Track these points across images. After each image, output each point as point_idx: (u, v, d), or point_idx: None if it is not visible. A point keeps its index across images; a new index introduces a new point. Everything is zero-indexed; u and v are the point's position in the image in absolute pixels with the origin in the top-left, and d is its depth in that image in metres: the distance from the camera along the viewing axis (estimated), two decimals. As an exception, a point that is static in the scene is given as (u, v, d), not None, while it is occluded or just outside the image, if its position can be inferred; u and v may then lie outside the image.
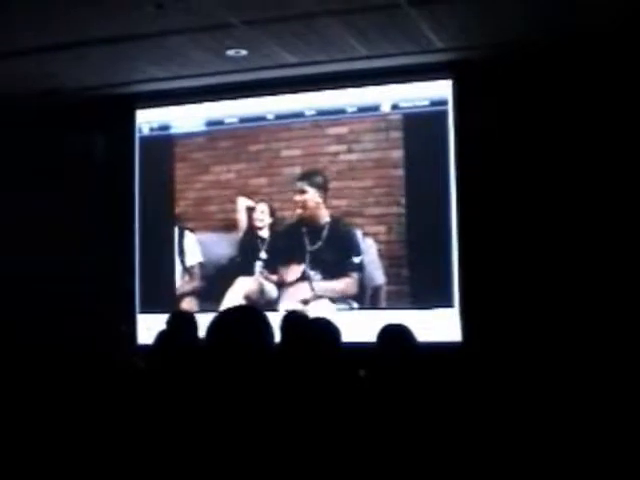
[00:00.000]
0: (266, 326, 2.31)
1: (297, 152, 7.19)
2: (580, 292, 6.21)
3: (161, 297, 7.44)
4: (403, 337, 4.15)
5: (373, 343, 4.36)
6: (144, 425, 2.69)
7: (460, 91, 6.69)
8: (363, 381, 3.98)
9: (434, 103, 6.80)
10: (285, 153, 7.23)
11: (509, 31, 6.01)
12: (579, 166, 6.36)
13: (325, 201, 7.09)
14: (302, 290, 7.06)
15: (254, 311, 2.36)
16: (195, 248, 7.51)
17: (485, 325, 6.40)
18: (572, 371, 5.94)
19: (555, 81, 6.45)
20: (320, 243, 7.07)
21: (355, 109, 7.01)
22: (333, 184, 7.08)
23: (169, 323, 4.76)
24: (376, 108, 6.96)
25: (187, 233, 7.53)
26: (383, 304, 6.84)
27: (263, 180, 7.28)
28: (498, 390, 5.81)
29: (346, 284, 6.97)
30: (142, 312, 7.44)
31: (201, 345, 4.18)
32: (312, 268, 7.10)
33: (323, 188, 7.10)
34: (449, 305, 6.58)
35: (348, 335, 3.66)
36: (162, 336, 3.79)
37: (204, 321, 4.71)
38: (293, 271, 7.17)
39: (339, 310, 6.88)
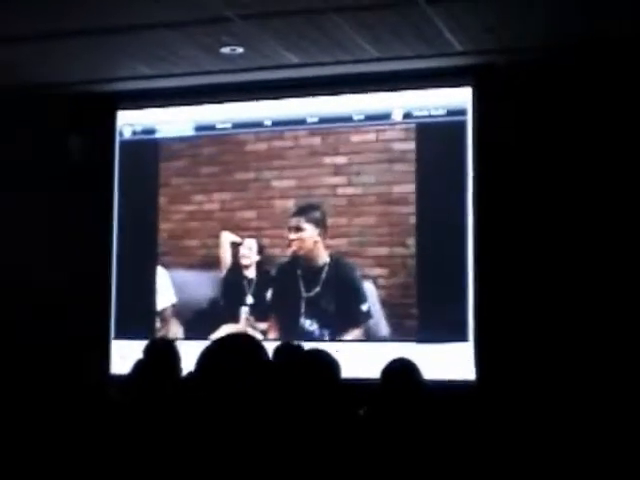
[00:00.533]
0: (261, 356, 2.40)
1: (291, 183, 7.25)
2: (608, 330, 6.26)
3: (139, 320, 7.46)
4: (407, 373, 4.24)
5: (377, 380, 4.45)
6: (120, 463, 2.75)
7: (481, 100, 6.77)
8: (362, 421, 4.05)
9: (451, 112, 6.89)
10: (277, 184, 7.27)
11: (535, 33, 6.10)
12: (614, 188, 6.41)
13: (324, 240, 7.11)
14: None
15: (249, 339, 2.45)
16: (168, 288, 7.49)
17: (502, 363, 6.47)
18: (601, 421, 5.99)
19: (587, 89, 6.51)
20: (318, 288, 7.06)
21: (362, 117, 7.09)
22: (331, 220, 7.10)
23: (147, 352, 4.83)
24: (386, 116, 7.04)
25: (159, 270, 7.53)
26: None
27: (251, 213, 7.32)
28: (515, 438, 5.88)
29: (352, 336, 6.92)
30: (117, 338, 7.50)
31: (184, 376, 4.26)
32: (308, 317, 7.09)
33: (322, 225, 7.12)
34: (463, 340, 6.65)
35: (348, 370, 3.72)
36: (140, 365, 3.84)
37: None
38: (285, 319, 7.14)
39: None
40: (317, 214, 7.12)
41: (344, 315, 6.99)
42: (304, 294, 7.10)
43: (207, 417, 2.30)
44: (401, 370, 4.33)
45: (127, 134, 7.74)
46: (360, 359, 6.66)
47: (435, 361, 6.47)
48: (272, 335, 7.09)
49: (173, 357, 4.84)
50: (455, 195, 6.79)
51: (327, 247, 7.08)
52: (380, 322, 6.88)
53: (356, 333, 6.93)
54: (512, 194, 6.62)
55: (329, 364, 3.37)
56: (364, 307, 6.92)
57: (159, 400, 3.31)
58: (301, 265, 7.14)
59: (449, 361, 6.62)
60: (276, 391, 2.52)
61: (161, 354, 4.76)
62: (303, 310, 7.08)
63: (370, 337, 6.90)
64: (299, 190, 7.21)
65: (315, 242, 7.10)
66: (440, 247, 6.81)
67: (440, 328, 6.71)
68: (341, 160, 7.13)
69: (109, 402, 3.85)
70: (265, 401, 2.37)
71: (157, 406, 3.29)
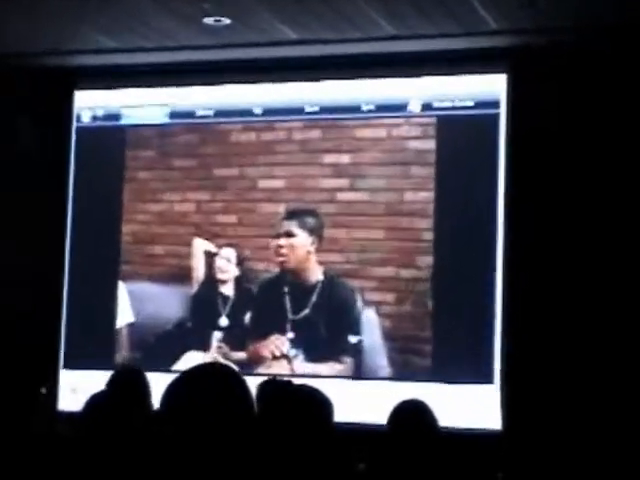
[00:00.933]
0: (242, 393, 2.42)
1: (280, 183, 7.28)
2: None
3: (95, 346, 7.46)
4: (418, 417, 4.31)
5: (379, 426, 4.53)
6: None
7: (518, 89, 6.80)
8: (363, 475, 4.13)
9: (481, 104, 6.94)
10: (264, 184, 7.32)
11: (576, 10, 6.11)
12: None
13: (318, 252, 7.14)
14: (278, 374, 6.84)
15: (228, 372, 2.47)
16: (125, 303, 7.53)
17: (534, 410, 6.49)
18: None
19: (634, 74, 6.54)
20: (307, 310, 7.10)
21: (373, 107, 7.12)
22: (328, 231, 7.13)
23: (112, 382, 4.90)
24: (402, 107, 7.07)
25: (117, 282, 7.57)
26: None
27: (231, 217, 7.38)
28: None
29: (336, 371, 6.96)
30: (67, 367, 7.52)
31: (154, 414, 4.34)
32: (294, 345, 7.11)
33: (317, 234, 7.15)
34: (487, 381, 6.71)
35: (343, 413, 3.74)
36: (100, 398, 3.91)
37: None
38: (267, 348, 7.15)
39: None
40: (312, 220, 7.16)
41: (334, 346, 7.03)
42: (290, 316, 7.14)
43: (178, 469, 2.32)
44: (412, 413, 4.38)
45: (86, 119, 7.77)
46: (358, 400, 6.72)
47: (453, 406, 6.48)
48: (249, 366, 7.07)
49: (143, 390, 4.91)
50: (483, 206, 6.84)
51: (321, 263, 7.12)
52: (378, 357, 6.91)
53: (341, 368, 6.96)
54: (553, 207, 6.64)
55: (322, 405, 3.43)
56: (354, 339, 6.96)
57: (125, 442, 3.36)
58: (289, 281, 7.19)
59: (470, 406, 6.66)
60: (260, 437, 2.55)
61: (129, 386, 4.83)
62: (288, 334, 7.13)
63: (362, 375, 6.94)
64: (290, 193, 7.26)
65: (308, 252, 7.14)
66: (463, 270, 6.84)
67: (459, 367, 6.74)
68: (343, 159, 7.17)
69: (60, 442, 3.92)
70: (247, 449, 2.39)
71: (122, 449, 3.34)
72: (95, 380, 5.20)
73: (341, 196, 7.17)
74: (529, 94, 6.74)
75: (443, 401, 6.07)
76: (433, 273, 6.89)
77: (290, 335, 7.12)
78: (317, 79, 7.27)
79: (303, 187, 7.25)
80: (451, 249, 6.91)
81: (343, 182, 7.17)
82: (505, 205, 6.78)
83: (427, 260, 6.91)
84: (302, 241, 7.18)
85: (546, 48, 6.63)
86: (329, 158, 7.22)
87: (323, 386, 3.50)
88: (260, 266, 7.29)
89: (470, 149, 6.97)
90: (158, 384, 2.45)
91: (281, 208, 7.27)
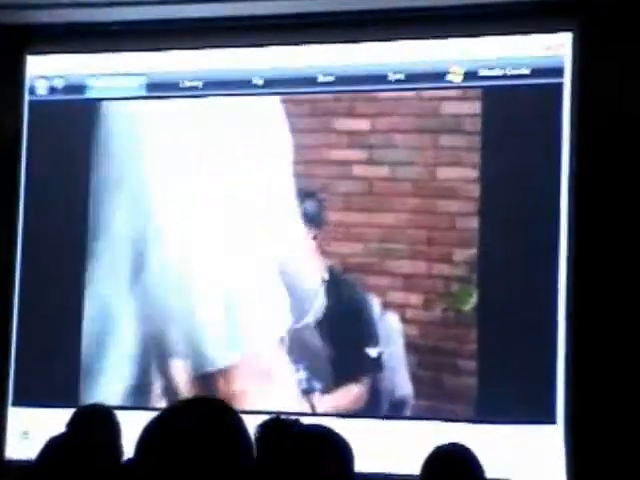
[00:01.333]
0: (242, 437, 2.43)
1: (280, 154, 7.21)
2: None
3: (53, 377, 7.46)
4: (459, 468, 4.34)
5: (408, 476, 4.56)
6: None
7: (586, 53, 6.77)
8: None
9: (539, 72, 6.91)
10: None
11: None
12: None
13: (321, 245, 7.15)
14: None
15: (221, 409, 2.47)
16: None
17: (607, 457, 6.48)
18: None
19: None
20: (308, 318, 7.11)
21: (402, 77, 7.10)
22: (337, 215, 7.14)
23: (74, 423, 4.92)
24: (439, 76, 7.05)
25: None
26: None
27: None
28: None
29: (350, 396, 6.98)
30: (17, 404, 7.54)
31: (127, 462, 4.36)
32: (294, 359, 7.15)
33: (318, 222, 7.17)
34: (550, 421, 6.68)
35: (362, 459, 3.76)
36: (59, 443, 3.92)
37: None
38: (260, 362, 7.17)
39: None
40: (311, 205, 7.19)
41: (344, 361, 7.05)
42: (288, 325, 7.16)
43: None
44: (451, 462, 4.41)
45: (41, 91, 7.80)
46: (381, 443, 6.74)
47: (503, 452, 6.49)
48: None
49: (112, 431, 4.94)
50: (542, 197, 6.84)
51: (326, 256, 7.14)
52: (398, 374, 6.91)
53: (355, 391, 6.97)
54: (632, 198, 6.64)
55: (341, 450, 3.44)
56: (373, 352, 6.96)
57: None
58: (285, 283, 7.21)
59: (525, 452, 6.64)
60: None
61: (95, 427, 4.85)
62: (287, 349, 7.15)
63: (377, 396, 6.94)
64: (295, 165, 7.25)
65: (306, 250, 7.17)
66: (515, 270, 6.82)
67: (510, 402, 6.69)
68: (360, 125, 7.17)
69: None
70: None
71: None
72: (54, 420, 5.22)
73: (357, 171, 7.15)
74: (601, 58, 6.71)
75: (490, 445, 6.10)
76: (478, 273, 6.88)
77: (288, 348, 7.13)
78: (333, 41, 7.26)
79: (308, 159, 7.25)
80: (500, 242, 6.86)
81: (359, 153, 7.15)
82: (570, 196, 6.74)
83: (466, 253, 6.91)
84: (299, 236, 7.19)
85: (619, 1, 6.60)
86: (342, 123, 7.22)
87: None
88: (251, 261, 7.29)
89: (525, 128, 6.92)
90: (131, 424, 2.43)
91: (277, 188, 7.26)
